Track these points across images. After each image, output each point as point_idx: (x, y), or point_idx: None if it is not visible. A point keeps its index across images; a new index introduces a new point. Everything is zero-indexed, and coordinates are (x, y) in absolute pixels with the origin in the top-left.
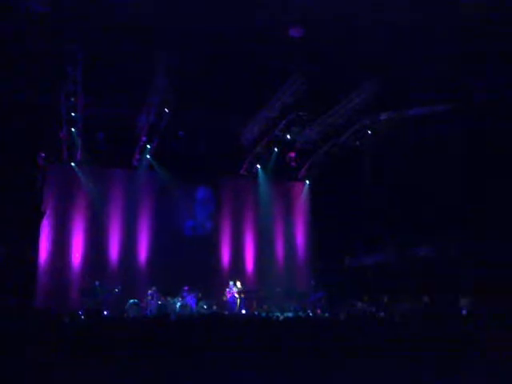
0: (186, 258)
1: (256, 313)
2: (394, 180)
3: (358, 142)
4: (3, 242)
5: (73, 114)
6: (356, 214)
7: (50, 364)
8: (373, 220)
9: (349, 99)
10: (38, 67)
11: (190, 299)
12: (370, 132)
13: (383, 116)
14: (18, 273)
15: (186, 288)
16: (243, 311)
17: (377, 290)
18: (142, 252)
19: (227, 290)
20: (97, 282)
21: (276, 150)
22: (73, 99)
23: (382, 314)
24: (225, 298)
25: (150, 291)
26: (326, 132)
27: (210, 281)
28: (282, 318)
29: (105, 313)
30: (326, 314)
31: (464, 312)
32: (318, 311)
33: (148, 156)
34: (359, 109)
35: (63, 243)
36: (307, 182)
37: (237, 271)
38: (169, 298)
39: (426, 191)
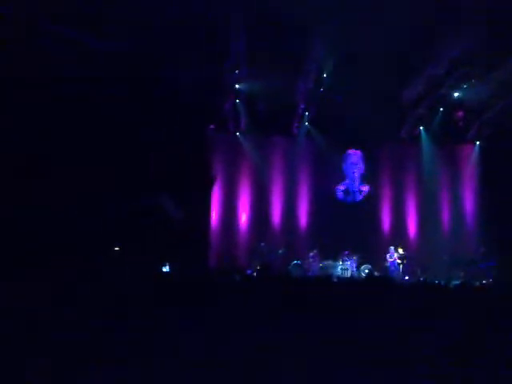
0: (344, 222)
1: (422, 279)
2: None
3: None
4: (181, 207)
5: (237, 86)
6: None
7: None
8: None
9: None
10: (204, 43)
11: (351, 263)
12: None
13: None
14: (194, 234)
15: (346, 252)
16: (406, 277)
17: None
18: (303, 215)
19: (388, 255)
20: (262, 243)
21: (441, 109)
22: (237, 71)
23: None
24: (386, 264)
25: (311, 253)
26: (499, 87)
27: (370, 246)
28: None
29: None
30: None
31: None
32: (490, 281)
33: (306, 123)
34: None
35: (231, 207)
36: (477, 143)
37: (398, 237)
38: (330, 261)
39: None
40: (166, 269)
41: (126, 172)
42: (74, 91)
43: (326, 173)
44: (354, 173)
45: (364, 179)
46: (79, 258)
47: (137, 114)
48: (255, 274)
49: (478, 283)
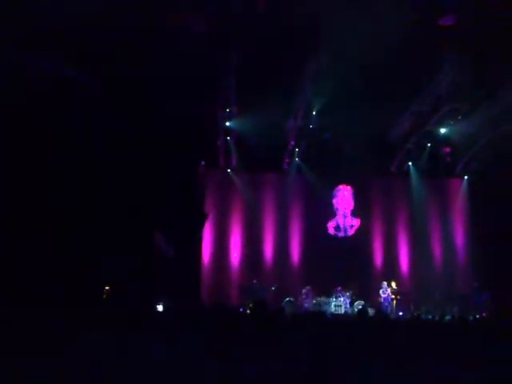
0: (337, 257)
1: (416, 314)
2: None
3: None
4: (172, 243)
5: (227, 124)
6: None
7: None
8: None
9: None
10: (195, 82)
11: (344, 299)
12: None
13: None
14: (185, 271)
15: (338, 288)
16: (400, 313)
17: None
18: (295, 252)
19: (381, 290)
20: (254, 281)
21: (429, 145)
22: (228, 109)
23: None
24: (379, 299)
25: (304, 290)
26: (485, 123)
27: (363, 281)
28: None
29: None
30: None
31: None
32: (484, 315)
33: (297, 159)
34: None
35: (223, 244)
36: (465, 177)
37: (391, 272)
38: (323, 298)
39: None
40: (160, 308)
41: (117, 210)
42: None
43: (317, 208)
44: (344, 208)
45: (355, 214)
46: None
47: (128, 150)
48: (248, 311)
49: (471, 318)
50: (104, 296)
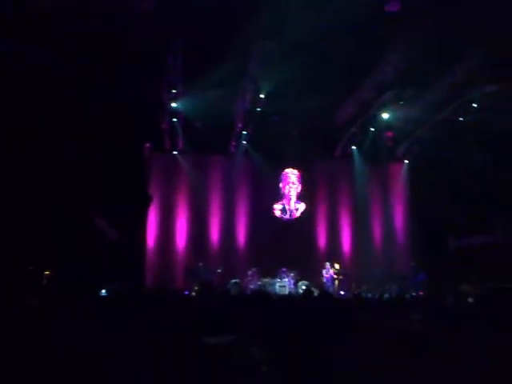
0: (282, 239)
1: (356, 293)
2: (502, 155)
3: (461, 118)
4: (116, 227)
5: (174, 105)
6: (459, 193)
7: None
8: (478, 199)
9: (451, 73)
10: (141, 62)
11: (289, 280)
12: (475, 105)
13: (489, 88)
14: (130, 254)
15: (283, 269)
16: (342, 292)
17: (483, 271)
18: (241, 234)
19: (324, 270)
20: (200, 263)
21: (372, 129)
22: (174, 90)
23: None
24: (322, 279)
25: (249, 271)
26: (426, 109)
27: (307, 262)
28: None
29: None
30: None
31: None
32: (420, 293)
33: (244, 142)
34: (463, 82)
35: (168, 226)
36: (406, 161)
37: (334, 253)
38: (268, 279)
39: None
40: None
41: (58, 191)
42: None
43: (264, 191)
44: (291, 191)
45: (300, 197)
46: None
47: (72, 132)
48: (194, 293)
49: (408, 296)
50: (44, 281)
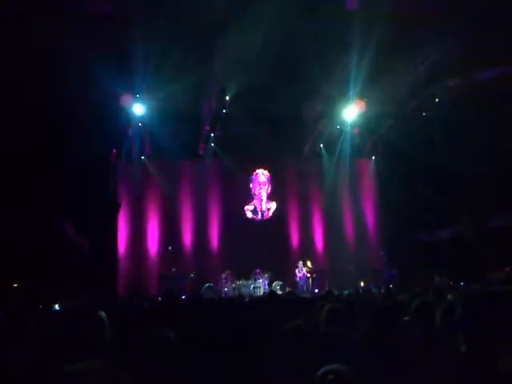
0: (255, 240)
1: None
2: (465, 149)
3: (424, 113)
4: (86, 236)
5: (139, 111)
6: (427, 187)
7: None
8: (445, 192)
9: (412, 68)
10: (104, 68)
11: (263, 281)
12: (437, 100)
13: (452, 83)
14: (101, 262)
15: (257, 270)
16: (316, 290)
17: (452, 264)
18: (214, 237)
19: (297, 270)
20: (173, 269)
21: (338, 127)
22: (138, 95)
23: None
24: (296, 278)
25: (223, 274)
26: (391, 105)
27: (281, 262)
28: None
29: (183, 297)
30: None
31: None
32: (391, 287)
33: (212, 144)
34: (425, 77)
35: (140, 233)
36: (373, 157)
37: (306, 251)
38: (242, 281)
39: (502, 158)
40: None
41: (23, 198)
42: None
43: (235, 193)
44: (261, 192)
45: (271, 197)
46: None
47: (37, 140)
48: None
49: (382, 290)
50: (12, 294)
